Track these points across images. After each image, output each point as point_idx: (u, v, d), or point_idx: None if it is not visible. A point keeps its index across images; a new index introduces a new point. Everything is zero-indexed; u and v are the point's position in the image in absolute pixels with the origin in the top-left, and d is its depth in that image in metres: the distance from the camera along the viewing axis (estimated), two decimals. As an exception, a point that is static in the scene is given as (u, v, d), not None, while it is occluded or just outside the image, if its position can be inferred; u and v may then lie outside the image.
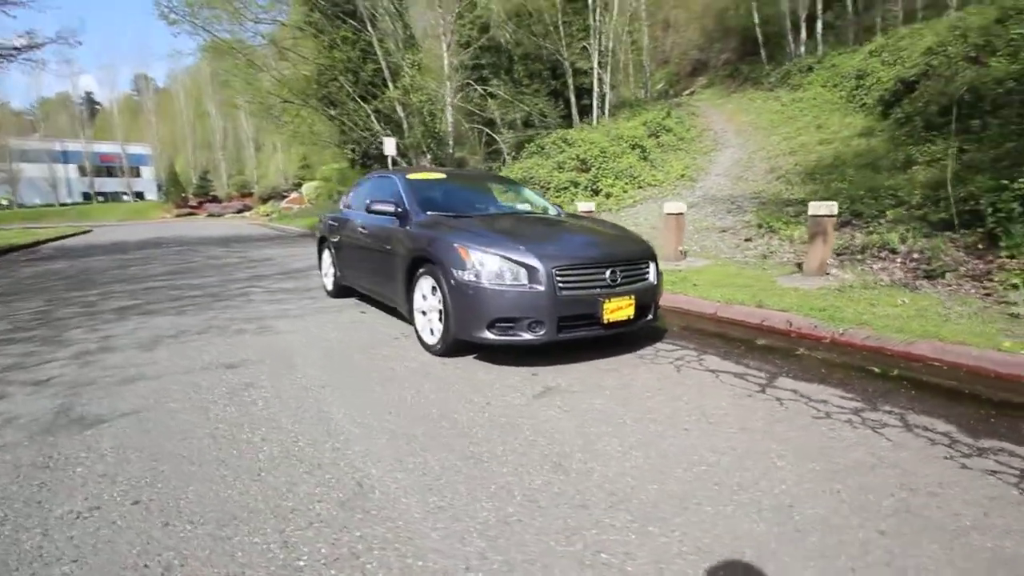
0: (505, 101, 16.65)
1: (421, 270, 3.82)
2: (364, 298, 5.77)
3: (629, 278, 3.58)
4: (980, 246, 5.25)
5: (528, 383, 3.18)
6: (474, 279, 3.34)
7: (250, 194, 45.89)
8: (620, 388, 3.10)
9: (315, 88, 16.06)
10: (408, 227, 4.12)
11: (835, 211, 5.36)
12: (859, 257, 5.87)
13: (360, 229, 4.95)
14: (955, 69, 10.42)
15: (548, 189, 12.83)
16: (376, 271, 4.66)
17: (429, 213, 4.17)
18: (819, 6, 23.02)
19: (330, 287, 6.03)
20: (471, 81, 16.26)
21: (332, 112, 16.21)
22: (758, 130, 16.41)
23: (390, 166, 13.74)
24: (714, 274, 6.10)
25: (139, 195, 59.51)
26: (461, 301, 3.38)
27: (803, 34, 23.60)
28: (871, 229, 6.63)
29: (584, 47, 20.06)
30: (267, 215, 32.85)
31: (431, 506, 1.94)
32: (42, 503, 1.98)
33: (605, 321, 3.41)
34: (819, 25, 23.06)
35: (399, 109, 16.11)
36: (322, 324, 4.74)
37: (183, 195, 47.56)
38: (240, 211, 40.90)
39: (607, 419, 2.66)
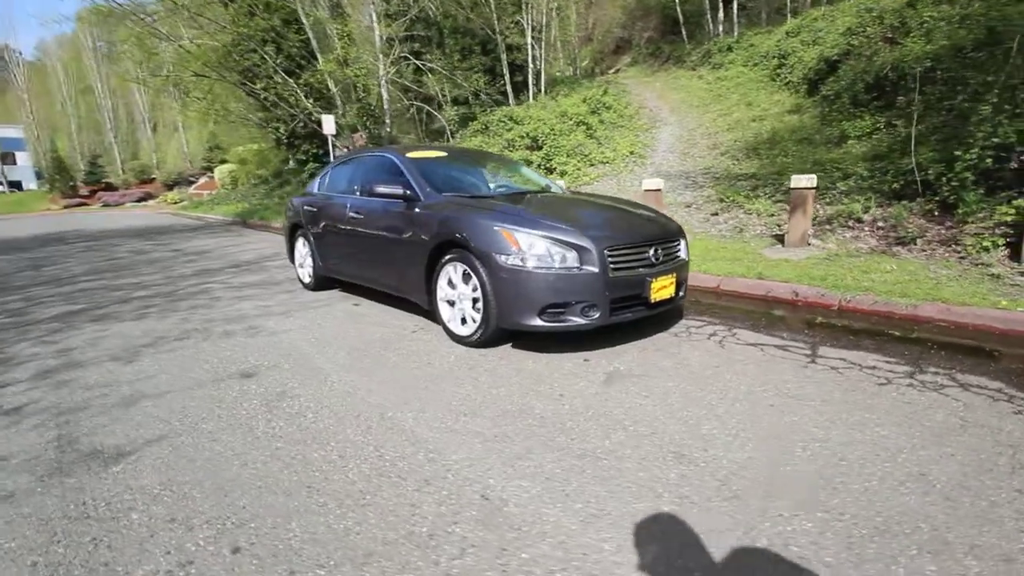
0: (442, 77, 16.02)
1: (448, 256, 3.55)
2: (350, 289, 5.34)
3: (669, 256, 3.53)
4: (935, 213, 5.73)
5: (585, 370, 3.05)
6: (520, 263, 3.13)
7: (151, 180, 41.38)
8: (680, 368, 3.05)
9: (234, 60, 14.60)
10: (421, 210, 3.80)
11: (815, 183, 5.62)
12: (829, 227, 6.23)
13: (353, 215, 4.53)
14: (874, 49, 11.28)
15: (500, 168, 12.59)
16: (377, 260, 4.30)
17: (445, 194, 3.87)
18: (734, -10, 24.11)
19: (307, 279, 5.52)
20: (407, 55, 15.47)
21: (256, 87, 14.85)
22: (691, 108, 16.99)
23: (330, 146, 12.87)
24: (698, 248, 6.24)
25: (15, 185, 51.30)
26: (507, 287, 3.17)
27: (720, 14, 24.58)
28: (829, 200, 7.06)
29: (517, 21, 19.74)
30: (176, 203, 29.90)
31: (582, 514, 1.78)
32: (111, 567, 1.60)
33: (652, 301, 3.35)
34: (735, 6, 24.12)
35: (331, 84, 15.07)
36: (317, 320, 4.32)
37: (71, 184, 41.74)
38: (141, 200, 36.87)
39: (693, 402, 2.60)
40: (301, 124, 16.20)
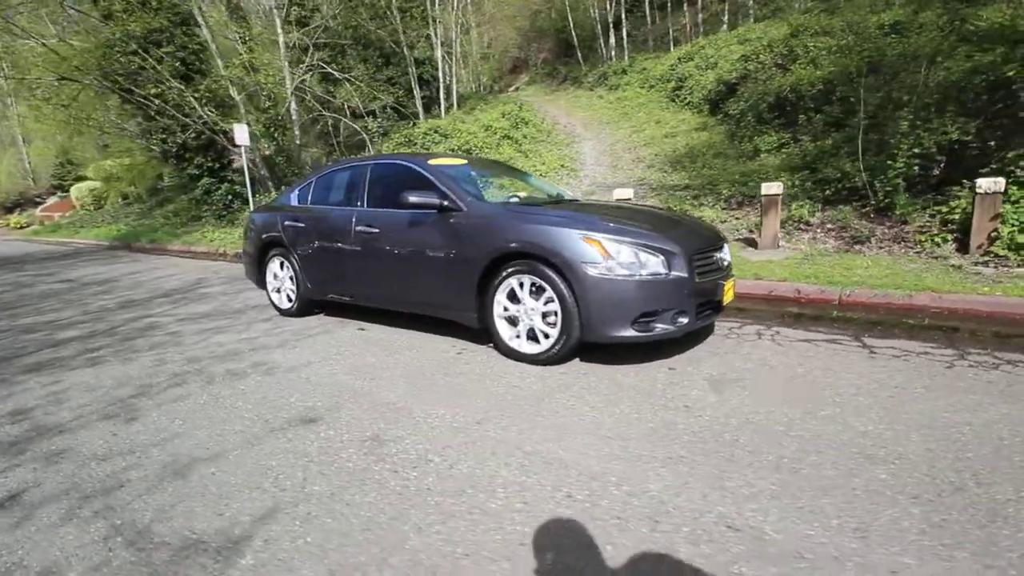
0: (360, 88, 15.29)
1: (509, 269, 3.27)
2: (335, 312, 4.77)
3: (726, 260, 3.57)
4: (872, 215, 6.49)
5: (681, 379, 2.95)
6: (608, 272, 2.97)
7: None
8: (767, 368, 3.06)
9: (116, 63, 12.72)
10: (467, 221, 3.48)
11: (782, 190, 6.09)
12: (784, 231, 6.79)
13: (362, 229, 4.04)
14: (768, 74, 12.69)
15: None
16: (401, 278, 3.86)
17: (493, 203, 3.58)
18: (623, 16, 26.03)
19: (286, 304, 4.84)
20: (321, 63, 14.55)
21: (140, 93, 13.04)
22: (602, 124, 17.86)
23: (243, 159, 11.64)
24: (676, 254, 6.46)
25: None
26: (596, 298, 2.97)
27: (612, 40, 26.31)
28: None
29: (427, 36, 19.53)
30: (22, 227, 25.17)
31: (845, 530, 1.65)
32: None
33: (723, 304, 3.35)
34: (624, 33, 25.98)
35: (234, 92, 13.71)
36: (332, 349, 3.77)
37: None
38: (-36, 224, 30.47)
39: (822, 403, 2.59)
40: (193, 135, 14.49)
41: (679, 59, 19.09)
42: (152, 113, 14.09)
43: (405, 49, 19.61)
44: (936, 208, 5.76)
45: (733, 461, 2.08)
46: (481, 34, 33.90)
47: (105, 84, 13.09)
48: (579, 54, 28.05)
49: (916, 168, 6.10)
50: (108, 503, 1.96)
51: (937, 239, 5.26)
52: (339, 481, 2.04)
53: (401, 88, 19.18)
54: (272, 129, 14.28)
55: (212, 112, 13.43)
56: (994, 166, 5.35)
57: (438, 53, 20.04)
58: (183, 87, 13.05)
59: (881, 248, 5.64)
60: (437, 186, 3.69)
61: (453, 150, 12.92)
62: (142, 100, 13.24)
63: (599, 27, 26.74)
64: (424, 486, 1.98)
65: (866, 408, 2.49)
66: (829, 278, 4.83)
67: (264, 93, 13.90)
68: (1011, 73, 5.44)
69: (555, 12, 31.78)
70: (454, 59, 21.01)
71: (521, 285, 3.25)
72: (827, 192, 7.32)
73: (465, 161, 4.33)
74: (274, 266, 4.88)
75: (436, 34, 19.43)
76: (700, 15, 23.99)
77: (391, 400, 2.82)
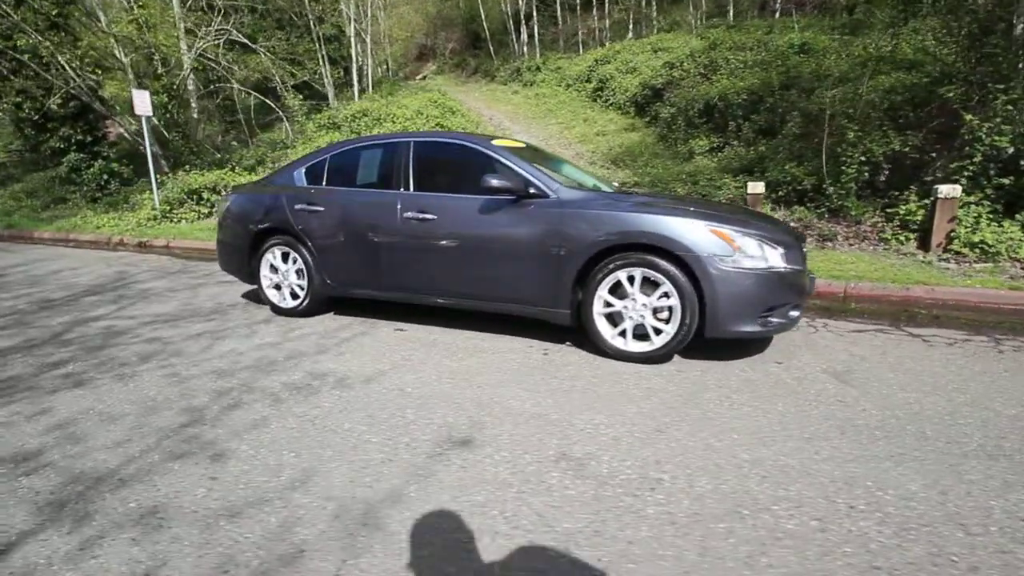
0: (275, 62, 13.76)
1: (618, 262, 3.03)
2: (351, 310, 4.17)
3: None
4: (826, 216, 7.15)
5: (801, 374, 2.94)
6: (735, 266, 2.86)
7: None
8: (863, 360, 3.17)
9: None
10: (558, 209, 3.17)
11: (763, 189, 6.47)
12: (753, 227, 7.24)
13: (413, 215, 3.53)
14: (694, 82, 13.55)
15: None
16: (474, 270, 3.42)
17: (585, 192, 3.31)
18: (533, 12, 26.38)
19: (289, 303, 4.13)
20: (236, 28, 12.81)
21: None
22: (528, 119, 17.92)
23: (144, 129, 9.90)
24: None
25: None
26: (727, 292, 2.85)
27: (524, 35, 26.53)
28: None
29: (338, 10, 18.17)
30: None
31: None
32: None
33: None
34: (535, 30, 26.34)
35: (120, 53, 11.64)
36: (392, 353, 3.26)
37: None
38: None
39: (949, 389, 2.71)
40: (59, 101, 12.08)
41: (596, 61, 19.72)
42: (4, 71, 11.55)
43: (312, 23, 18.07)
44: (887, 211, 6.49)
45: (950, 453, 2.08)
46: (388, 14, 32.46)
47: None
48: (490, 47, 27.90)
49: (866, 174, 6.83)
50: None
51: (901, 238, 5.91)
52: (590, 516, 1.70)
53: (307, 66, 17.54)
54: (168, 99, 12.33)
55: (91, 75, 11.30)
56: (939, 175, 6.14)
57: (350, 30, 18.75)
58: (51, 41, 10.77)
59: (852, 245, 6.22)
60: (517, 170, 3.32)
61: (390, 136, 12.08)
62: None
63: (510, 22, 26.78)
64: (689, 511, 1.72)
65: (987, 392, 2.65)
66: (828, 272, 5.20)
67: (157, 57, 11.95)
68: (950, 95, 6.27)
69: (463, 3, 31.32)
70: (369, 40, 19.78)
71: (631, 279, 3.03)
72: (779, 193, 7.94)
73: (523, 144, 3.98)
74: (273, 258, 4.13)
75: (350, 9, 18.14)
76: (607, 21, 24.99)
77: (530, 410, 2.47)
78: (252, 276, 4.30)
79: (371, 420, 2.37)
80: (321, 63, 17.94)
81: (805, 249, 3.44)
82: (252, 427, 2.31)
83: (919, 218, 5.85)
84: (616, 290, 3.11)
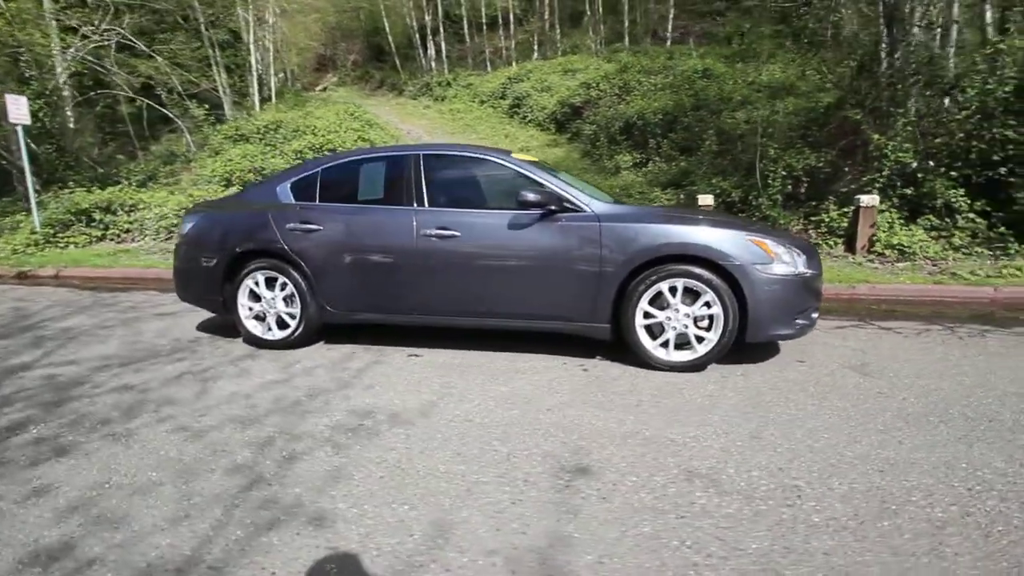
0: (172, 66, 12.42)
1: (661, 273, 3.06)
2: (341, 337, 3.83)
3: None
4: (772, 226, 7.83)
5: (826, 371, 3.16)
6: (773, 272, 3.02)
7: None
8: (876, 354, 3.47)
9: None
10: (593, 223, 3.14)
11: (713, 201, 6.94)
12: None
13: (434, 233, 3.31)
14: (611, 102, 14.29)
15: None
16: (504, 288, 3.27)
17: (619, 205, 3.31)
18: (441, 30, 26.42)
19: (277, 334, 3.68)
20: (118, 29, 11.36)
21: None
22: (447, 133, 17.81)
23: (20, 138, 8.42)
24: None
25: None
26: (767, 298, 2.99)
27: (432, 51, 26.43)
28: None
29: (233, 15, 16.90)
30: None
31: None
32: None
33: (814, 301, 3.69)
34: (443, 47, 26.38)
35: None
36: (428, 382, 3.01)
37: None
38: None
39: (961, 376, 3.03)
40: None
41: (509, 79, 20.12)
42: None
43: (202, 27, 16.60)
44: (811, 219, 7.25)
45: (999, 430, 2.32)
46: (288, 20, 30.84)
47: None
48: (396, 61, 27.40)
49: (789, 186, 7.60)
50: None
51: (830, 242, 6.63)
52: (766, 532, 1.66)
53: (200, 73, 16.04)
54: (39, 107, 10.65)
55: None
56: (852, 186, 7.00)
57: (249, 36, 17.52)
58: None
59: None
60: (549, 184, 3.25)
61: (315, 149, 11.40)
62: None
63: (416, 36, 26.53)
64: (849, 515, 1.74)
65: (982, 374, 3.02)
66: (829, 277, 5.66)
67: (28, 58, 10.33)
68: (857, 117, 7.18)
69: (364, 15, 30.47)
70: (272, 47, 18.61)
71: (672, 290, 3.08)
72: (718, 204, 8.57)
73: (536, 158, 3.90)
74: (254, 284, 3.66)
75: (249, 13, 16.95)
76: (512, 41, 25.61)
77: (617, 429, 2.39)
78: (225, 306, 3.77)
79: (463, 458, 2.15)
80: (216, 70, 16.51)
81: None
82: (332, 481, 1.99)
83: (844, 224, 6.60)
84: (654, 301, 3.14)
